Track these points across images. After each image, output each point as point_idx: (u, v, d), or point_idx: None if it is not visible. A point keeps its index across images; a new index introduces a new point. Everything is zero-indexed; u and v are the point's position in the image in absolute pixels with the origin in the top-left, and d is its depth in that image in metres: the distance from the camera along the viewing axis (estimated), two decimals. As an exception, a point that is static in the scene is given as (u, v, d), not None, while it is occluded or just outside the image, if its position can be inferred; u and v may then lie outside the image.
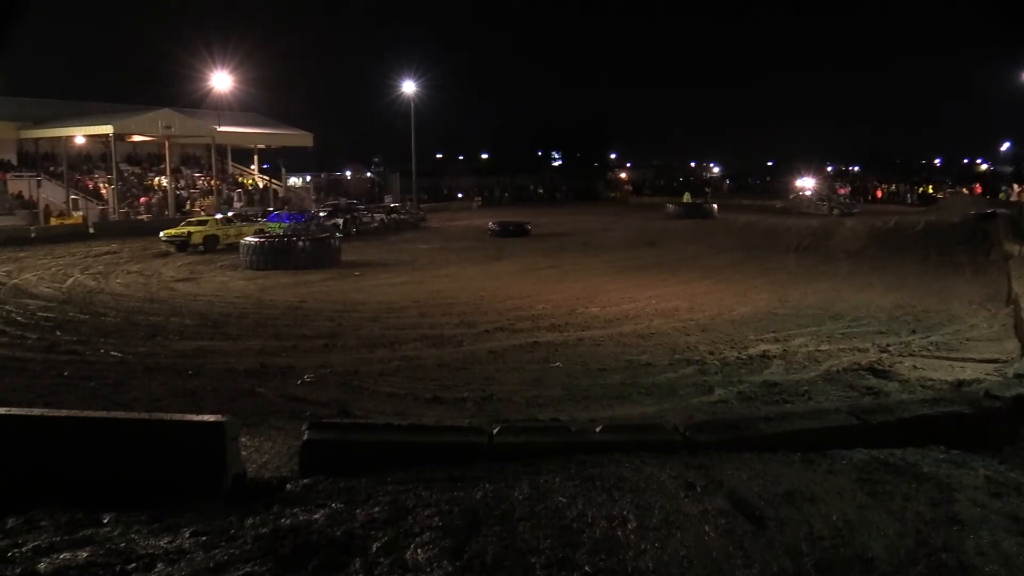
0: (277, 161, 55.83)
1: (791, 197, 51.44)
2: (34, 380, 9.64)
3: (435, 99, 56.92)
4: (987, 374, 9.39)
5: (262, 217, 32.83)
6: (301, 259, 22.14)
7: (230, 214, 33.51)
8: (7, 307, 15.44)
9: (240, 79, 47.17)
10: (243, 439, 5.64)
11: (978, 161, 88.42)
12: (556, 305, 15.39)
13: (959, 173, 78.01)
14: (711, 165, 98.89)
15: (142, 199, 41.49)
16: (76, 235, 31.96)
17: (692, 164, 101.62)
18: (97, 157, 43.48)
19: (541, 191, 71.94)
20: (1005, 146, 79.93)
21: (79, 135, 41.00)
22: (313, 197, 50.21)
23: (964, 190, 58.40)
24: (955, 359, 10.57)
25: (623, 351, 11.26)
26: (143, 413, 6.05)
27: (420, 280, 19.72)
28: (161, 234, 27.77)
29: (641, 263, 23.37)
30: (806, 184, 58.17)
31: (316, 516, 4.37)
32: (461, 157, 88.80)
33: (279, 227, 28.43)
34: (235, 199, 44.21)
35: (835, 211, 42.79)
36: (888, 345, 11.41)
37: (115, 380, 9.57)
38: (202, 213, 35.31)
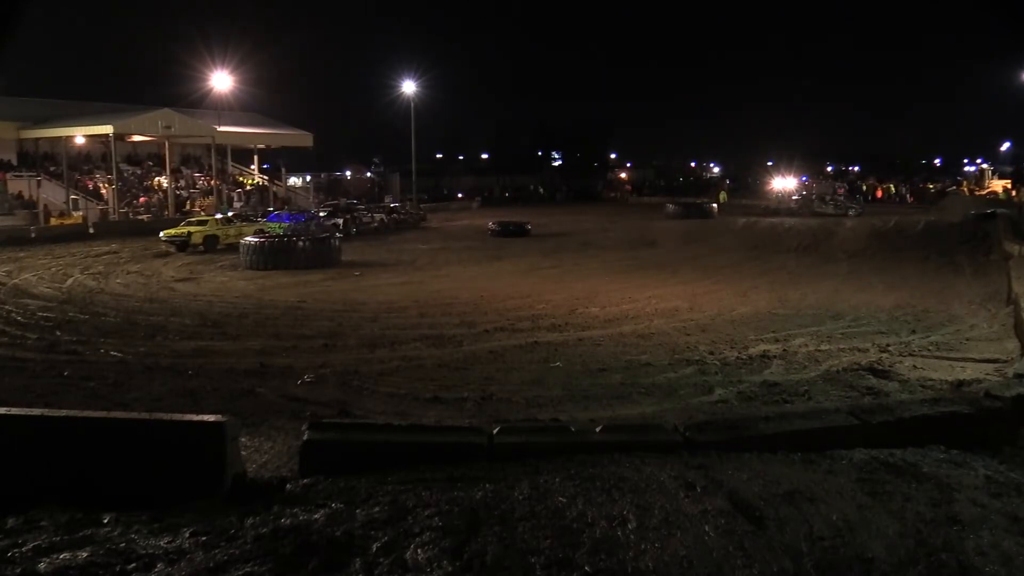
0: (277, 161, 55.92)
1: (771, 197, 50.73)
2: (34, 380, 9.64)
3: (435, 99, 57.18)
4: (987, 374, 9.38)
5: (262, 217, 32.84)
6: (301, 259, 22.15)
7: (230, 214, 33.53)
8: (7, 307, 15.44)
9: (240, 79, 47.30)
10: (243, 439, 5.64)
11: (978, 161, 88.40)
12: (556, 305, 15.39)
13: (958, 173, 77.95)
14: (711, 165, 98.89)
15: (142, 199, 41.49)
16: (76, 235, 31.96)
17: (692, 164, 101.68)
18: (97, 157, 43.49)
19: (541, 191, 71.96)
20: (1005, 146, 79.93)
21: (79, 135, 41.00)
22: (312, 198, 50.23)
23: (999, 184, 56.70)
24: (955, 359, 10.55)
25: (623, 351, 11.26)
26: (143, 413, 6.03)
27: (420, 280, 19.72)
28: (161, 234, 27.80)
29: (641, 263, 23.37)
30: (786, 185, 55.57)
31: (316, 516, 4.36)
32: (461, 157, 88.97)
33: (279, 227, 28.44)
34: (235, 199, 44.21)
35: (851, 211, 41.04)
36: (888, 345, 11.40)
37: (115, 380, 9.58)
38: (202, 213, 35.32)
